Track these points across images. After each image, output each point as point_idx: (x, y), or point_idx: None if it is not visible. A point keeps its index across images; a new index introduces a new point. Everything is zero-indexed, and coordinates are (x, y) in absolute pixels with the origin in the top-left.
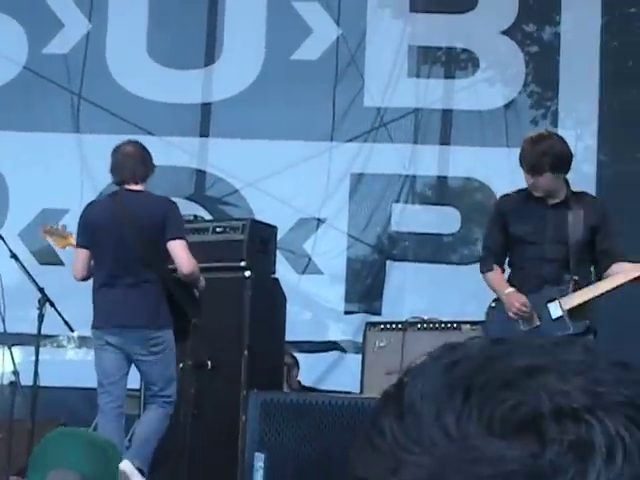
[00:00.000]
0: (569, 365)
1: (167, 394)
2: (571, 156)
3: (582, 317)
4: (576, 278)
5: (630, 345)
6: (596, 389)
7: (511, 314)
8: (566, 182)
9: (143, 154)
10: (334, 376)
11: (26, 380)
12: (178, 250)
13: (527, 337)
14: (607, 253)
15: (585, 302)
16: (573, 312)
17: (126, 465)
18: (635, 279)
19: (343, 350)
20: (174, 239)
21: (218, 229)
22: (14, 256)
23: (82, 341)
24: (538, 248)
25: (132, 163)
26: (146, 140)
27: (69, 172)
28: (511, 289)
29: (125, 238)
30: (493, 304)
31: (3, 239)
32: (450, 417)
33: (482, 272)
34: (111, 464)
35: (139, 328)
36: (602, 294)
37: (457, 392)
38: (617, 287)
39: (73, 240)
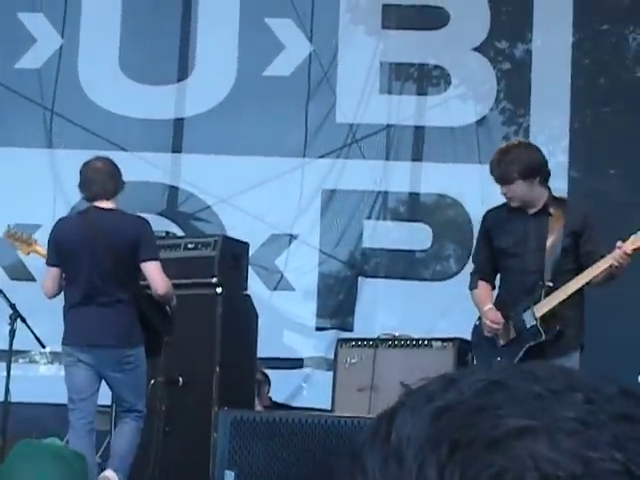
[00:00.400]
0: (563, 424)
1: (139, 409)
2: (543, 162)
3: (553, 322)
4: (550, 284)
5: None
6: (587, 454)
7: (485, 332)
8: (548, 189)
9: (112, 169)
10: (306, 392)
11: None
12: (152, 271)
13: (527, 380)
14: (590, 255)
15: (557, 306)
16: (545, 318)
17: (110, 473)
18: (598, 274)
19: (314, 367)
20: (148, 260)
21: (190, 245)
22: None
23: (54, 357)
24: (520, 260)
25: (102, 179)
26: (119, 156)
27: (41, 187)
28: (488, 306)
29: (98, 258)
30: (477, 322)
31: None
32: (432, 471)
33: (469, 289)
34: (78, 477)
35: (112, 347)
36: (571, 295)
37: (443, 445)
38: (584, 285)
39: (39, 248)
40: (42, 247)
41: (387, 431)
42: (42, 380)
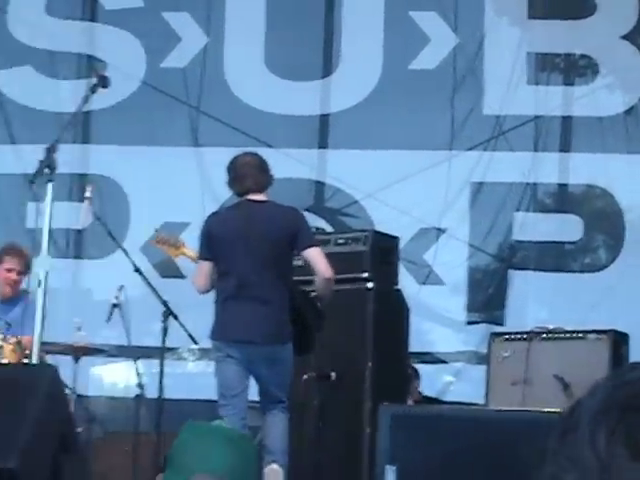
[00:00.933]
0: None
1: (285, 400)
2: None
3: None
4: None
5: None
6: None
7: None
8: None
9: (261, 163)
10: (456, 387)
11: (149, 393)
12: (316, 256)
13: None
14: None
15: None
16: None
17: (277, 467)
18: None
19: (465, 361)
20: (310, 247)
21: (340, 241)
22: (137, 270)
23: (203, 353)
24: None
25: (253, 172)
26: (265, 152)
27: (189, 185)
28: None
29: (253, 250)
30: None
31: (127, 253)
32: (602, 435)
33: None
34: (249, 460)
35: (261, 345)
36: None
37: (614, 411)
38: None
39: (187, 250)
40: (190, 249)
41: (572, 409)
42: (191, 376)
